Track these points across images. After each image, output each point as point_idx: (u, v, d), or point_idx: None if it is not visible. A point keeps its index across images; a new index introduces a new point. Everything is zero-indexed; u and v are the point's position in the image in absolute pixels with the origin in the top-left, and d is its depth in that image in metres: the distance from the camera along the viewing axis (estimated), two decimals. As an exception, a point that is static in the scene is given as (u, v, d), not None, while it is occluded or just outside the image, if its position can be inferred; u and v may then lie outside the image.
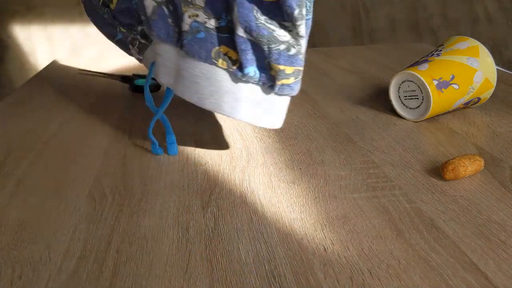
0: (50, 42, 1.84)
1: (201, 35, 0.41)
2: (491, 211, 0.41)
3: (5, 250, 0.37)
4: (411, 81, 0.61)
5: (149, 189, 0.46)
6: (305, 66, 0.95)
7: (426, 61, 0.62)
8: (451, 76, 0.60)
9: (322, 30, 1.97)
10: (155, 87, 0.80)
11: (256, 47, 0.41)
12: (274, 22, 0.40)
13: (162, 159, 0.53)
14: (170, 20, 0.43)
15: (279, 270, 0.34)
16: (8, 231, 0.40)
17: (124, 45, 0.53)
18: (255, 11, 0.39)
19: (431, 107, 0.59)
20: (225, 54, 0.42)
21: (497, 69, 0.75)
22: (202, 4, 0.41)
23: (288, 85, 0.44)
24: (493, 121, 0.63)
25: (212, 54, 0.42)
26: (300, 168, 0.50)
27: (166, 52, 0.44)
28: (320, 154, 0.54)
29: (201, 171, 0.50)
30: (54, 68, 0.99)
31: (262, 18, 0.40)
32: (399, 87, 0.63)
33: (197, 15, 0.41)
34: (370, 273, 0.34)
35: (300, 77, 0.45)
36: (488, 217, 0.40)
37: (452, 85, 0.60)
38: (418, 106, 0.62)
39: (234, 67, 0.42)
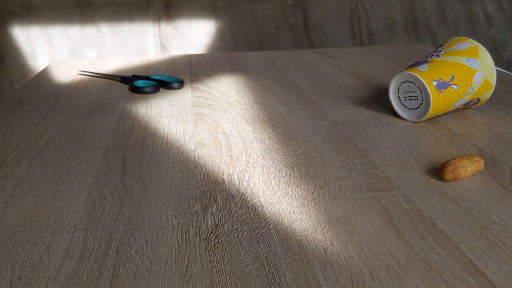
0: (49, 43, 1.84)
1: None
2: (491, 211, 0.41)
3: (4, 251, 0.37)
4: (411, 82, 0.61)
5: (149, 190, 0.46)
6: (304, 67, 0.95)
7: (425, 61, 0.62)
8: (450, 77, 0.60)
9: (321, 31, 1.97)
10: (155, 88, 0.80)
11: None
12: None
13: (162, 160, 0.53)
14: None
15: (279, 271, 0.34)
16: (7, 232, 0.40)
17: None
18: None
19: (431, 108, 0.59)
20: None
21: (496, 69, 0.75)
22: None
23: None
24: (493, 121, 0.63)
25: None
26: (300, 169, 0.50)
27: None
28: (320, 155, 0.54)
29: (201, 172, 0.50)
30: (53, 69, 0.99)
31: None
32: (399, 88, 0.63)
33: None
34: (370, 273, 0.34)
35: None
36: (488, 218, 0.40)
37: (452, 86, 0.60)
38: (418, 107, 0.62)
39: None
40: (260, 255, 0.36)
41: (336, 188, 0.46)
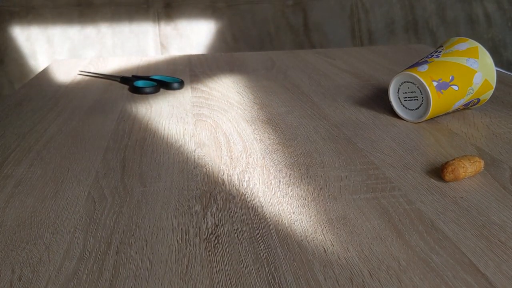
0: (49, 43, 1.84)
1: None
2: (491, 212, 0.41)
3: (4, 251, 0.37)
4: (411, 82, 0.61)
5: (149, 191, 0.46)
6: (304, 67, 0.95)
7: (425, 62, 0.62)
8: (450, 77, 0.60)
9: (322, 31, 1.97)
10: (155, 88, 0.80)
11: None
12: None
13: (162, 160, 0.53)
14: None
15: (279, 272, 0.34)
16: (7, 232, 0.40)
17: None
18: None
19: (431, 108, 0.59)
20: None
21: (496, 70, 0.75)
22: None
23: None
24: (493, 122, 0.63)
25: None
26: (300, 170, 0.50)
27: None
28: (320, 156, 0.54)
29: (201, 173, 0.50)
30: (53, 69, 0.99)
31: None
32: (399, 88, 0.63)
33: None
34: (370, 274, 0.34)
35: None
36: (488, 218, 0.40)
37: (452, 86, 0.60)
38: (418, 107, 0.62)
39: None
40: (260, 255, 0.36)
41: (336, 188, 0.46)
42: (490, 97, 0.73)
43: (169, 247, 0.37)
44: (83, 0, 1.83)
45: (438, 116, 0.65)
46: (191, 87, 0.83)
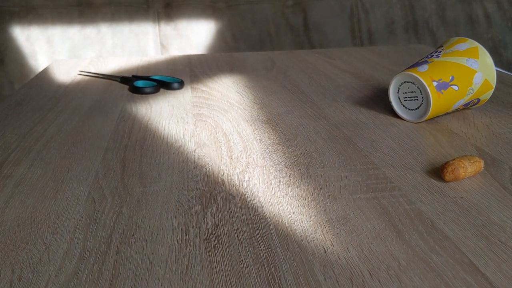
0: (49, 43, 1.84)
1: None
2: (491, 212, 0.41)
3: (4, 251, 0.37)
4: (411, 82, 0.61)
5: (149, 191, 0.46)
6: (304, 67, 0.95)
7: (425, 62, 0.62)
8: (450, 77, 0.60)
9: (321, 31, 1.97)
10: (155, 88, 0.80)
11: None
12: None
13: (162, 160, 0.53)
14: None
15: (279, 272, 0.34)
16: (7, 232, 0.40)
17: None
18: None
19: (431, 108, 0.59)
20: None
21: (496, 70, 0.75)
22: None
23: None
24: (493, 122, 0.63)
25: None
26: (300, 170, 0.50)
27: None
28: (320, 156, 0.54)
29: (201, 173, 0.50)
30: (53, 69, 0.99)
31: None
32: (399, 88, 0.63)
33: None
34: (370, 274, 0.34)
35: None
36: (488, 218, 0.40)
37: (452, 86, 0.60)
38: (418, 107, 0.62)
39: None
40: (260, 255, 0.36)
41: (336, 188, 0.46)
42: (490, 97, 0.73)
43: (169, 247, 0.37)
44: (83, 0, 1.83)
45: (438, 116, 0.65)
46: (191, 87, 0.83)
